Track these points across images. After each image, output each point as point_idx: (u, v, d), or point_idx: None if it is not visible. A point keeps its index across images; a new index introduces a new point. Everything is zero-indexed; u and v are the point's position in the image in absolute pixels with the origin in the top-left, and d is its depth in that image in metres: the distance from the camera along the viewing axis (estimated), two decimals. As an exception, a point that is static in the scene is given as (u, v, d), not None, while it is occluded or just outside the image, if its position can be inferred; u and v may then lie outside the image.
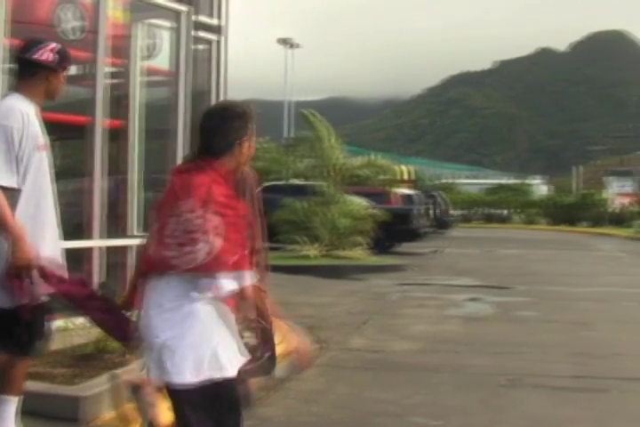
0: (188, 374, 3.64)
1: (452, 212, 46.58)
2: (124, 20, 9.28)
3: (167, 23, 9.41)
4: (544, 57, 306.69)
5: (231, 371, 3.72)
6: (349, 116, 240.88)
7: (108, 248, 8.35)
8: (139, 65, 9.46)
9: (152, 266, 3.81)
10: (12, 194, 4.46)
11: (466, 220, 56.26)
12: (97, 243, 8.07)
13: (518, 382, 7.45)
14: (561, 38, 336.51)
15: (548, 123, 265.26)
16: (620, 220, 50.92)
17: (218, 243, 3.64)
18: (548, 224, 52.71)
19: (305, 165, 22.29)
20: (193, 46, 9.38)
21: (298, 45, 48.51)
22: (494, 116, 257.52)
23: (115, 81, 9.19)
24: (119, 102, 9.11)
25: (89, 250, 8.00)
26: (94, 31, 8.21)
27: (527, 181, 72.61)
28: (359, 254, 19.88)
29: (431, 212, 35.58)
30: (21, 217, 4.47)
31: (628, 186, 75.25)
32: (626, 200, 64.81)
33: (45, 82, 4.62)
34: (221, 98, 10.02)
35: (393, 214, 22.52)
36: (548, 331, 10.34)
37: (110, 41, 8.36)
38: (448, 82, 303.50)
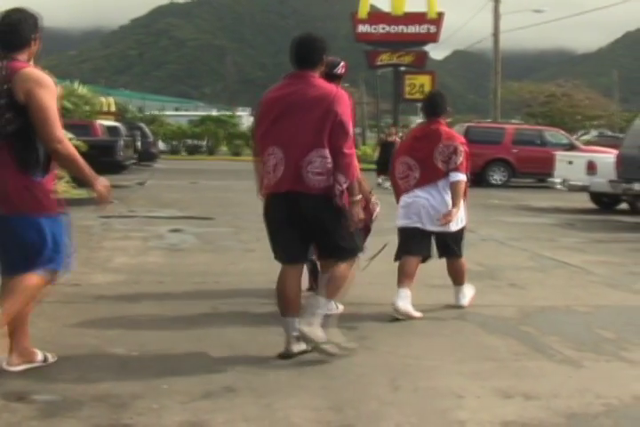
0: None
1: (158, 144, 46.38)
2: None
3: None
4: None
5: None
6: (51, 47, 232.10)
7: None
8: None
9: (428, 179, 7.52)
10: None
11: (173, 152, 56.21)
12: None
13: (220, 310, 7.61)
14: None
15: (257, 55, 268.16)
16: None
17: (462, 158, 7.48)
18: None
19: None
20: None
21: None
22: (203, 47, 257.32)
23: None
24: None
25: None
26: None
27: (235, 113, 73.15)
28: (62, 187, 19.36)
29: (137, 144, 35.37)
30: None
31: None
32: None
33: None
34: None
35: (97, 146, 22.13)
36: (248, 260, 10.59)
37: None
38: (155, 12, 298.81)
